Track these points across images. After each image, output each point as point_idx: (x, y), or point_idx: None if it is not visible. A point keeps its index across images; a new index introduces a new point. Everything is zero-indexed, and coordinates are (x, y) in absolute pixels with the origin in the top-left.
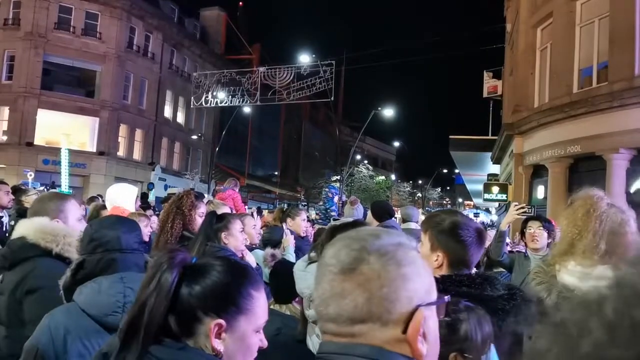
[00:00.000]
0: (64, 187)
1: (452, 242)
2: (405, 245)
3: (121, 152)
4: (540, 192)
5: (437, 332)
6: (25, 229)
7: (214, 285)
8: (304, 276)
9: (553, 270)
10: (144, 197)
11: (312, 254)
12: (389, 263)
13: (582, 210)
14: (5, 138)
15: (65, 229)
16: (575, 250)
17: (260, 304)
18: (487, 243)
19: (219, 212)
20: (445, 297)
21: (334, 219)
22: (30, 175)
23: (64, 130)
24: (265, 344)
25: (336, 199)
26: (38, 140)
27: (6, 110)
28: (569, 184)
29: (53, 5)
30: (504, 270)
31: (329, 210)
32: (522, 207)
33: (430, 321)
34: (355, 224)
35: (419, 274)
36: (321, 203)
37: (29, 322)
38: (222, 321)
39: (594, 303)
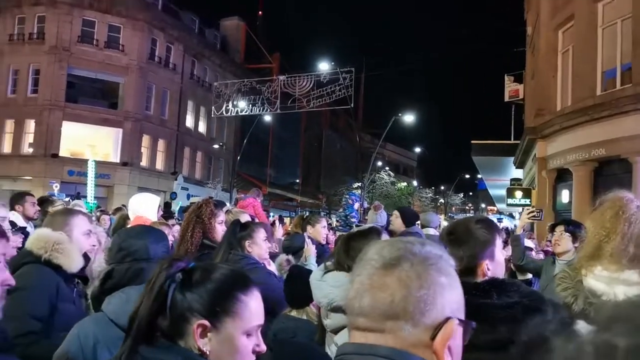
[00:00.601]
0: (90, 198)
1: (456, 250)
2: (447, 259)
3: (144, 163)
4: (564, 196)
5: (460, 352)
6: (29, 238)
7: (203, 288)
8: (321, 285)
9: (579, 275)
10: (167, 206)
11: (328, 263)
12: (431, 268)
13: (610, 212)
14: (31, 150)
15: (60, 237)
16: (603, 253)
17: (249, 308)
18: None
19: (242, 220)
20: (473, 323)
21: (356, 225)
22: (56, 186)
23: (89, 141)
24: (263, 348)
25: (356, 205)
26: (63, 152)
27: (32, 123)
28: (594, 187)
29: (77, 19)
30: (531, 276)
31: (349, 217)
32: (532, 212)
33: (457, 336)
34: (371, 231)
35: (456, 287)
36: (341, 210)
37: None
38: (205, 322)
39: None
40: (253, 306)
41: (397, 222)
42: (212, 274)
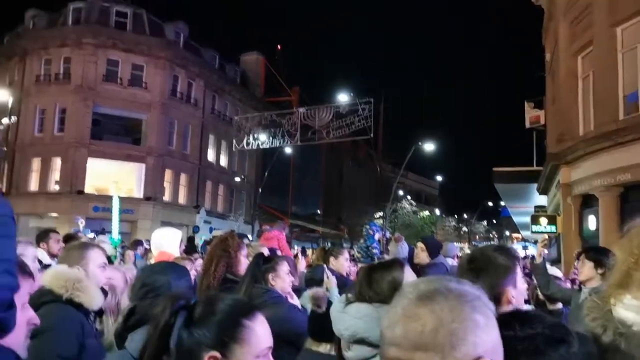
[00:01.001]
0: (115, 234)
1: (477, 278)
2: (484, 299)
3: (167, 197)
4: (591, 222)
5: None
6: (45, 276)
7: (208, 321)
8: (343, 317)
9: (608, 305)
10: (190, 240)
11: (350, 295)
12: (466, 305)
13: (638, 238)
14: (57, 187)
15: (78, 275)
16: (632, 281)
17: (255, 333)
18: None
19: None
20: None
21: (378, 258)
22: (81, 222)
23: (113, 177)
24: None
25: (377, 236)
26: (88, 189)
27: (58, 161)
28: (620, 213)
29: (101, 59)
30: (561, 305)
31: (370, 248)
32: (544, 240)
33: None
34: (394, 263)
35: (491, 327)
36: (362, 241)
37: None
38: (215, 353)
39: None
40: (259, 330)
41: (422, 255)
42: (215, 306)
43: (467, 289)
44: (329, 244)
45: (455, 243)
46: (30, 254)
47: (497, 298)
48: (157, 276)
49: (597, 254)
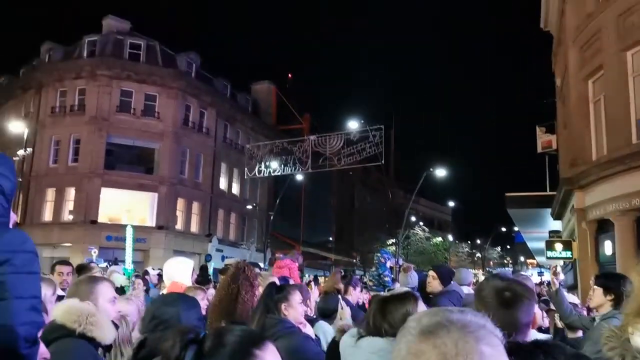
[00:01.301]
0: (128, 264)
1: (492, 311)
2: (489, 329)
3: (179, 226)
4: (607, 248)
5: None
6: (56, 310)
7: (218, 354)
8: (355, 352)
9: (626, 333)
10: (203, 270)
11: (361, 330)
12: (469, 336)
13: None
14: (71, 217)
15: (91, 309)
16: None
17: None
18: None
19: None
20: None
21: (389, 289)
22: (94, 252)
23: (126, 206)
24: None
25: (389, 263)
26: (101, 218)
27: (72, 191)
28: (637, 238)
29: (115, 90)
30: (581, 333)
31: (382, 276)
32: (554, 268)
33: None
34: (407, 295)
35: (498, 355)
36: (374, 269)
37: None
38: None
39: None
40: (269, 358)
41: (434, 283)
42: (225, 338)
43: (471, 318)
44: (342, 271)
45: (469, 270)
46: (49, 294)
47: (527, 325)
48: (167, 308)
49: (606, 280)
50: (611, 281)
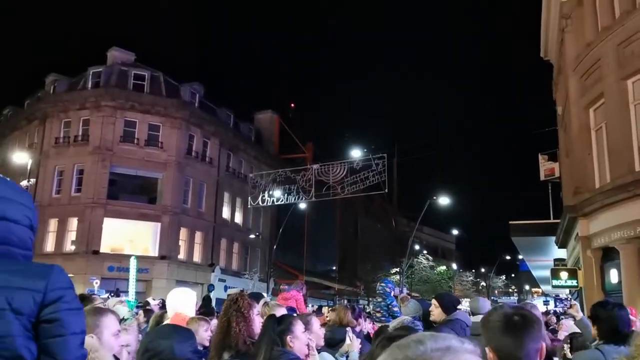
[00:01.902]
0: (131, 296)
1: (499, 337)
2: (455, 349)
3: (182, 255)
4: (613, 276)
5: None
6: None
7: None
8: None
9: None
10: (206, 300)
11: None
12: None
13: None
14: (73, 248)
15: (94, 344)
16: None
17: None
18: (563, 334)
19: (277, 314)
20: None
21: (398, 316)
22: (96, 282)
23: (128, 236)
24: None
25: (392, 293)
26: (104, 248)
27: (75, 221)
28: None
29: (119, 121)
30: None
31: (390, 307)
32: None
33: None
34: (409, 331)
35: None
36: (380, 299)
37: None
38: None
39: None
40: None
41: (437, 312)
42: None
43: (431, 346)
44: (346, 301)
45: (486, 299)
46: None
47: (535, 352)
48: (160, 341)
49: (593, 309)
50: (595, 309)
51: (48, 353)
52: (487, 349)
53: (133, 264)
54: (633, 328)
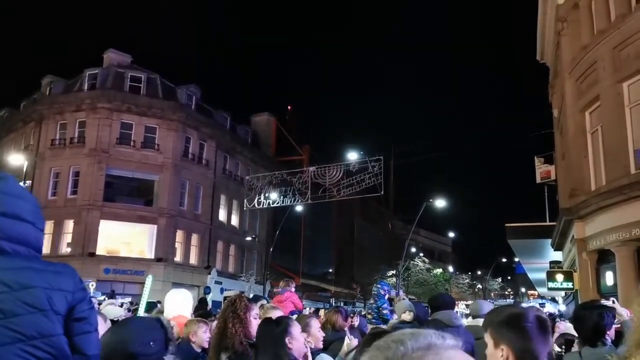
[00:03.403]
0: (141, 311)
1: (512, 333)
2: (436, 347)
3: (178, 258)
4: (609, 278)
5: None
6: None
7: None
8: None
9: None
10: (202, 302)
11: None
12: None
13: None
14: (69, 250)
15: None
16: None
17: None
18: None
19: (273, 316)
20: None
21: (389, 319)
22: (92, 285)
23: (124, 239)
24: None
25: (387, 295)
26: (100, 250)
27: (70, 223)
28: (638, 268)
29: (115, 123)
30: None
31: (380, 309)
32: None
33: None
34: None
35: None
36: (372, 301)
37: None
38: None
39: None
40: None
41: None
42: None
43: (412, 345)
44: (341, 304)
45: (488, 301)
46: None
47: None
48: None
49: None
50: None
51: (77, 348)
52: (501, 348)
53: (149, 282)
54: (617, 326)
